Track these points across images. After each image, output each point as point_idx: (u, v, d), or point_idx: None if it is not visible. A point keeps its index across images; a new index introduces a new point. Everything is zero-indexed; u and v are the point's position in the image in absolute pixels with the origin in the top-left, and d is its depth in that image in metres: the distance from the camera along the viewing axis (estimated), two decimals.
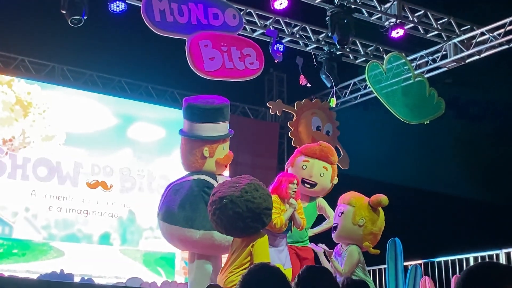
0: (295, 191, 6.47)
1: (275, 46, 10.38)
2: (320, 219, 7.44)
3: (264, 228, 5.72)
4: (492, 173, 13.71)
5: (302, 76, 8.90)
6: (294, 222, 6.51)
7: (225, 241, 5.98)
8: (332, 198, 7.35)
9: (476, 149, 13.90)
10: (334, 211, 7.00)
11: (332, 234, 6.64)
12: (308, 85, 9.46)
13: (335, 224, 6.57)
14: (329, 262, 6.38)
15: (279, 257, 6.40)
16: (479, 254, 10.60)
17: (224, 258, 6.19)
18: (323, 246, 6.48)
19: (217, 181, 6.17)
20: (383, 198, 6.49)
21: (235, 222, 5.45)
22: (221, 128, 6.40)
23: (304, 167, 7.15)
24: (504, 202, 13.15)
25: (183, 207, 6.04)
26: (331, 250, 6.49)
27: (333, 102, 10.71)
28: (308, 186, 7.15)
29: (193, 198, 6.05)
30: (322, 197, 7.47)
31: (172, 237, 6.22)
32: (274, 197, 6.36)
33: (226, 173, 11.44)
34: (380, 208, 6.60)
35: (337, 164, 7.51)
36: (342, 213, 6.54)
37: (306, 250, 7.05)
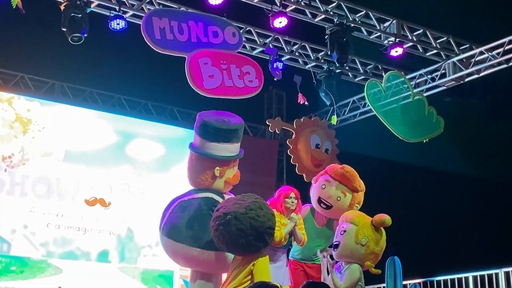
0: (294, 204, 6.45)
1: (274, 64, 10.41)
2: None
3: (265, 247, 5.69)
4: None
5: (300, 95, 8.92)
6: (294, 237, 6.47)
7: (229, 259, 5.95)
8: None
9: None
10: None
11: (333, 251, 6.60)
12: (306, 103, 9.48)
13: (337, 242, 6.53)
14: (328, 274, 6.35)
15: (277, 275, 6.36)
16: (478, 273, 10.58)
17: (225, 275, 6.17)
18: (328, 258, 6.43)
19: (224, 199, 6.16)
20: (386, 218, 6.46)
21: (237, 239, 5.44)
22: (234, 148, 6.38)
23: (323, 186, 7.08)
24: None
25: (191, 226, 5.99)
26: (335, 261, 6.46)
27: (334, 119, 10.72)
28: (324, 206, 7.07)
29: (202, 217, 6.01)
30: None
31: (176, 254, 6.18)
32: (275, 211, 6.35)
33: None
34: (382, 228, 6.58)
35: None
36: (345, 231, 6.50)
37: (315, 268, 6.98)
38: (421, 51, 11.23)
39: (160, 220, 6.36)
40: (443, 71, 11.43)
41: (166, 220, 6.24)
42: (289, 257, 7.17)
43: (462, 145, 13.58)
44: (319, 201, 7.06)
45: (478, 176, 14.02)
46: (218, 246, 5.68)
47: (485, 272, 10.52)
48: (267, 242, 5.56)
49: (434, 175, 14.13)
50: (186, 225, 6.01)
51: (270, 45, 10.87)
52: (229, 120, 6.36)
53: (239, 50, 7.79)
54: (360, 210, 6.96)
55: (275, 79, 9.58)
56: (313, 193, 7.19)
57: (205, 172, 6.25)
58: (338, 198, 7.04)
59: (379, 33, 10.74)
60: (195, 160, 6.36)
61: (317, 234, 7.11)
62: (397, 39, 10.63)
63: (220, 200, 6.14)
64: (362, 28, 10.60)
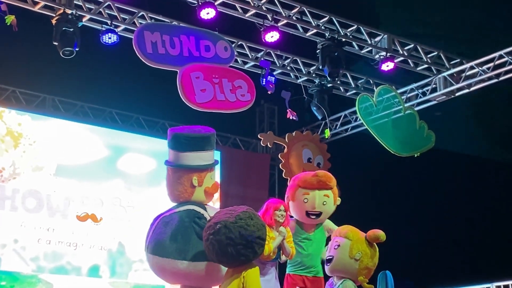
0: (283, 217, 6.44)
1: (268, 77, 10.44)
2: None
3: (255, 259, 5.67)
4: None
5: (289, 110, 8.93)
6: (283, 251, 6.45)
7: (218, 273, 5.92)
8: None
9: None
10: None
11: (325, 266, 6.58)
12: (295, 118, 9.47)
13: (330, 257, 6.51)
14: None
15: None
16: None
17: None
18: None
19: (206, 211, 6.12)
20: (381, 233, 6.45)
21: (226, 247, 5.44)
22: (208, 156, 6.34)
23: (305, 200, 7.07)
24: None
25: (174, 239, 5.96)
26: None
27: (327, 133, 10.74)
28: (314, 217, 7.07)
29: (184, 229, 5.98)
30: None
31: (163, 271, 6.12)
32: None
33: (217, 205, 11.44)
34: (375, 244, 6.57)
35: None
36: (339, 245, 6.48)
37: (317, 282, 6.94)
38: (412, 65, 11.28)
39: (145, 240, 6.33)
40: (434, 85, 11.49)
41: (150, 238, 6.20)
42: (288, 272, 7.11)
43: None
44: (307, 214, 7.04)
45: (472, 188, 14.06)
46: (209, 256, 5.67)
47: (477, 287, 10.54)
48: (257, 253, 5.53)
49: (425, 188, 14.16)
50: (169, 239, 5.97)
51: (262, 59, 10.90)
52: (200, 129, 6.35)
53: (231, 64, 7.80)
54: (354, 225, 6.92)
55: (269, 92, 9.59)
56: (297, 210, 7.13)
57: (183, 184, 6.21)
58: (324, 203, 7.08)
59: (370, 48, 10.79)
60: (171, 175, 6.32)
61: (313, 241, 7.08)
62: (388, 54, 10.69)
63: (202, 211, 6.11)
64: (354, 43, 10.66)
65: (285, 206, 6.58)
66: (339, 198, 7.25)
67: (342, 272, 6.42)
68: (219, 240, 5.45)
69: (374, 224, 6.67)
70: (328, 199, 7.08)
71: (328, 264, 6.50)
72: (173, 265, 5.93)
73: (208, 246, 5.56)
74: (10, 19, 7.84)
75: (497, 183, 13.68)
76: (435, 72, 11.39)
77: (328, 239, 7.11)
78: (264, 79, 10.35)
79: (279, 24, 9.94)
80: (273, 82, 10.44)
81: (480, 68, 10.86)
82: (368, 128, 9.68)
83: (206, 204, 6.28)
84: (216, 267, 5.84)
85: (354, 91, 11.93)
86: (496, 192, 13.60)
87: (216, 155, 6.59)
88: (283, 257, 6.62)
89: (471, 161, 14.08)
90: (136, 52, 7.24)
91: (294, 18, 10.08)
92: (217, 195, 11.94)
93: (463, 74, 11.12)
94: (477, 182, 14.03)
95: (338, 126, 12.92)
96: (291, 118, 9.02)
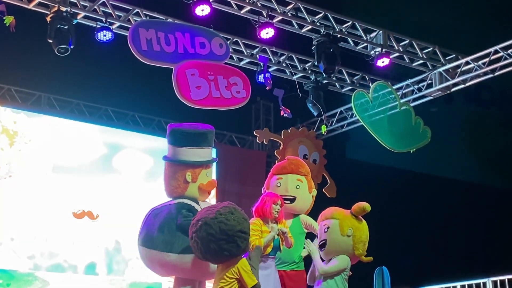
0: (278, 212, 6.45)
1: (266, 73, 10.44)
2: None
3: (242, 254, 5.65)
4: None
5: (282, 108, 8.94)
6: (285, 243, 6.45)
7: (206, 265, 5.93)
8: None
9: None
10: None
11: (321, 252, 6.57)
12: (287, 115, 9.44)
13: (323, 241, 6.52)
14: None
15: (266, 283, 6.30)
16: (466, 283, 10.61)
17: (208, 283, 6.15)
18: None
19: (199, 206, 6.14)
20: (365, 204, 6.51)
21: (208, 243, 5.49)
22: (204, 153, 6.36)
23: (278, 185, 7.14)
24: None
25: (162, 231, 6.00)
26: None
27: (324, 129, 10.74)
28: (288, 201, 7.07)
29: (171, 221, 6.02)
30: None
31: (153, 262, 6.15)
32: (256, 220, 6.34)
33: (214, 202, 11.43)
34: (361, 217, 6.60)
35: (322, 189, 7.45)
36: (328, 227, 6.51)
37: (296, 276, 6.93)
38: (407, 61, 11.28)
39: (138, 233, 6.36)
40: (430, 81, 11.49)
41: (141, 230, 6.26)
42: None
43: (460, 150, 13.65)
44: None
45: (467, 183, 14.09)
46: (196, 254, 5.71)
47: (473, 281, 10.55)
48: (240, 246, 5.53)
49: (421, 182, 14.18)
50: (157, 231, 6.02)
51: (258, 56, 10.89)
52: (198, 126, 6.39)
53: (226, 61, 7.79)
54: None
55: (267, 88, 9.59)
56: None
57: (177, 179, 6.25)
58: (298, 187, 7.14)
59: (365, 44, 10.79)
60: (168, 169, 6.39)
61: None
62: (383, 50, 10.68)
63: (194, 204, 6.13)
64: (349, 39, 10.65)
65: (282, 201, 6.59)
66: (315, 190, 7.26)
67: (339, 251, 6.44)
68: (201, 237, 5.50)
69: (372, 218, 6.68)
70: (301, 184, 7.13)
71: (322, 248, 6.51)
72: (160, 256, 5.98)
73: (193, 245, 5.61)
74: (9, 20, 7.83)
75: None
76: (430, 68, 11.39)
77: (308, 235, 7.11)
78: (262, 75, 10.34)
79: (274, 21, 9.93)
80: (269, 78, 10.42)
81: (475, 64, 10.87)
82: (364, 124, 9.69)
83: (203, 201, 6.30)
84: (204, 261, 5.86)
85: (350, 88, 11.92)
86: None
87: (212, 152, 6.61)
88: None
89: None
90: (131, 49, 7.23)
91: (289, 14, 10.08)
92: (213, 193, 11.96)
93: (459, 70, 11.13)
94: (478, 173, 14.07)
95: (334, 122, 12.92)
96: (284, 115, 9.01)
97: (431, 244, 13.69)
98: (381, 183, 13.13)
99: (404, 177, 13.72)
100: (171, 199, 6.34)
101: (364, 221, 6.60)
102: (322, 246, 6.52)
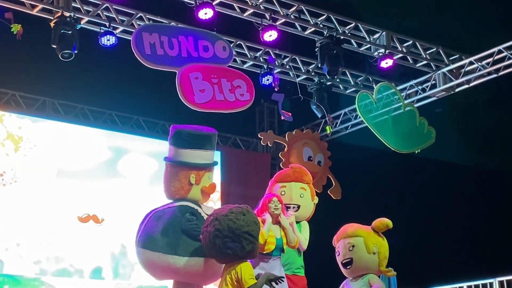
0: (278, 209, 6.45)
1: (268, 76, 10.46)
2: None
3: (247, 258, 5.63)
4: None
5: (283, 112, 8.94)
6: (287, 240, 6.43)
7: (209, 269, 5.92)
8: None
9: None
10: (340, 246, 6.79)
11: (345, 270, 6.50)
12: (287, 119, 9.40)
13: (348, 259, 6.44)
14: None
15: None
16: (472, 283, 10.59)
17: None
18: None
19: (201, 209, 6.13)
20: (387, 221, 6.47)
21: (214, 239, 5.51)
22: (208, 156, 6.34)
23: (282, 193, 7.12)
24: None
25: (166, 234, 5.97)
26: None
27: (329, 129, 10.75)
28: (294, 210, 7.09)
29: (176, 224, 6.00)
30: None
31: (153, 265, 6.11)
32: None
33: (219, 205, 11.44)
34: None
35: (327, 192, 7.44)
36: (354, 246, 6.45)
37: (301, 281, 6.88)
38: (411, 62, 11.28)
39: (136, 234, 6.34)
40: (433, 81, 11.49)
41: (141, 232, 6.22)
42: None
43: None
44: (286, 208, 7.04)
45: (475, 180, 14.06)
46: (204, 251, 5.72)
47: (480, 282, 10.53)
48: (244, 248, 5.51)
49: (425, 182, 14.16)
50: (161, 234, 5.99)
51: (261, 58, 10.91)
52: (202, 128, 6.38)
53: (229, 64, 7.80)
54: (355, 222, 6.89)
55: (275, 89, 9.60)
56: None
57: (180, 181, 6.22)
58: (302, 195, 7.10)
59: (369, 45, 10.80)
60: (169, 171, 6.34)
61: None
62: (387, 51, 10.69)
63: (197, 207, 6.13)
64: (352, 41, 10.66)
65: (278, 197, 6.61)
66: (317, 197, 7.26)
67: (365, 269, 6.41)
68: (209, 232, 5.54)
69: (375, 217, 6.67)
70: (305, 192, 7.11)
71: (348, 267, 6.45)
72: (163, 259, 5.95)
73: (203, 239, 5.64)
74: (17, 28, 7.86)
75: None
76: (434, 68, 11.39)
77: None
78: (271, 76, 10.35)
79: (277, 23, 9.94)
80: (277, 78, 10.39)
81: (479, 64, 10.86)
82: (368, 126, 9.70)
83: (203, 204, 6.29)
84: (207, 264, 5.84)
85: (354, 89, 11.91)
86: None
87: (217, 155, 6.61)
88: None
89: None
90: (135, 53, 7.26)
91: (292, 16, 10.09)
92: (218, 195, 11.97)
93: (463, 70, 11.12)
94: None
95: (338, 124, 12.91)
96: (285, 119, 9.00)
97: (438, 244, 13.67)
98: (381, 183, 13.14)
99: (398, 177, 13.67)
100: (172, 201, 6.33)
101: (384, 237, 6.58)
102: (347, 264, 6.47)
